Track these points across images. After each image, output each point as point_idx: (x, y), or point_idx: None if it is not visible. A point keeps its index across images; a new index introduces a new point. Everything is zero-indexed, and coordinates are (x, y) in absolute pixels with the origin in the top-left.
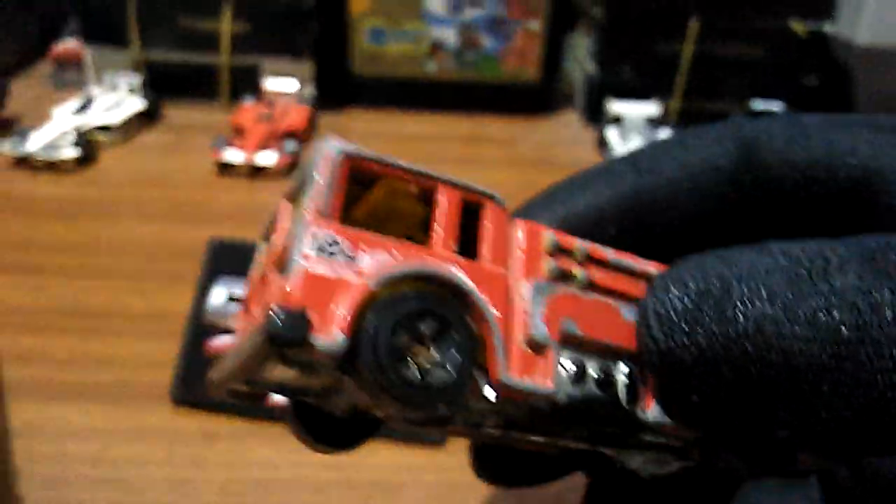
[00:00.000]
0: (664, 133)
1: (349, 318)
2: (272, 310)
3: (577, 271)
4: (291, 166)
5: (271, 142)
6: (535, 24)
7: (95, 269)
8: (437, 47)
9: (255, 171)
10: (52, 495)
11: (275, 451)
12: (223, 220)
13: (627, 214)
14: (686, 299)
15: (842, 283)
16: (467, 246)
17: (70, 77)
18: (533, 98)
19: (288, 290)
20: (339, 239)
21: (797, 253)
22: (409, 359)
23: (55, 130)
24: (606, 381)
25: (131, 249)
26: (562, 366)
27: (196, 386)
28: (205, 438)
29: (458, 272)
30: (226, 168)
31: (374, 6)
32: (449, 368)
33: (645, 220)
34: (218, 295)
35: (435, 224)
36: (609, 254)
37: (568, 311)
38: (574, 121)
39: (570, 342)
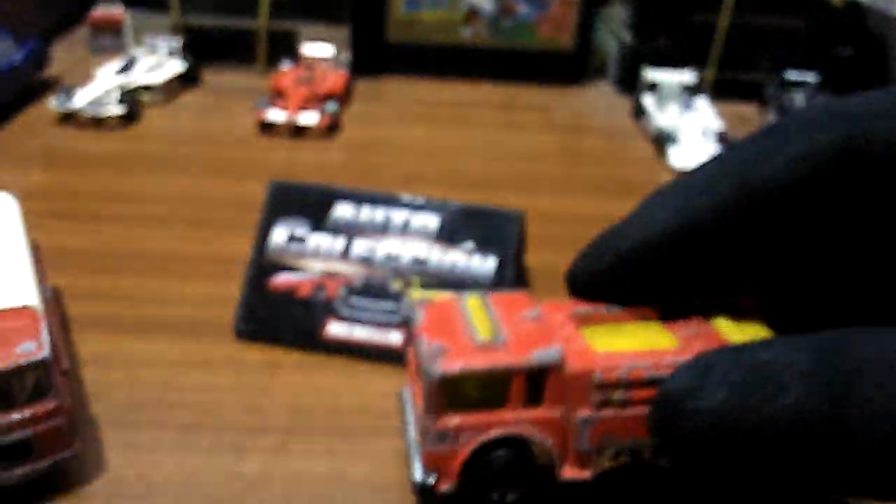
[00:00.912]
0: (701, 101)
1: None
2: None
3: (617, 396)
4: (331, 127)
5: (312, 103)
6: None
7: (148, 217)
8: (472, 14)
9: (297, 131)
10: (126, 417)
11: (336, 380)
12: (268, 177)
13: (730, 221)
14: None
15: None
16: (539, 394)
17: (106, 42)
18: (567, 66)
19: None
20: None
21: None
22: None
23: (100, 88)
24: (635, 452)
25: (181, 200)
26: (605, 454)
27: (259, 321)
28: (269, 368)
29: (526, 426)
30: (267, 127)
31: None
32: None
33: (745, 226)
34: (280, 234)
35: (510, 394)
36: (646, 371)
37: (606, 429)
38: (608, 90)
39: (608, 442)
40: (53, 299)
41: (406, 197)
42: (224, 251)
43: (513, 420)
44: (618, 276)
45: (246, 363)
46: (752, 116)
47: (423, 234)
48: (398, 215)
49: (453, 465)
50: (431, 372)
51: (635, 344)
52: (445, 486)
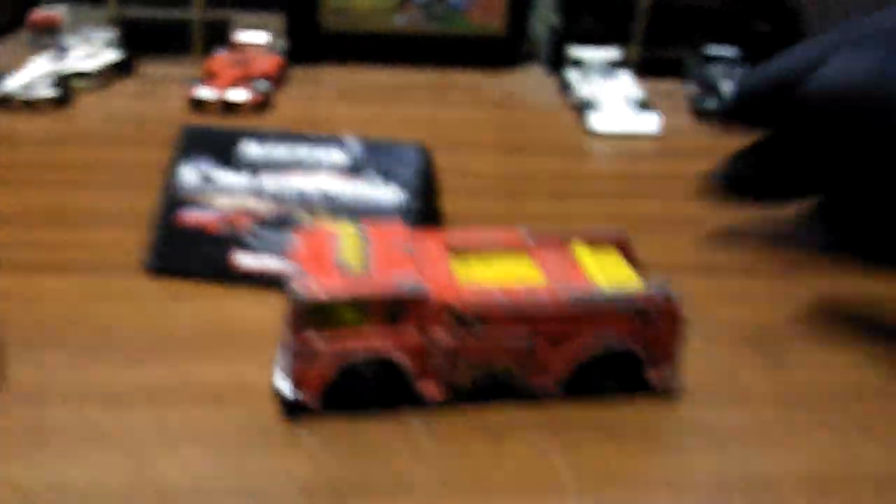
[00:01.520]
0: (624, 75)
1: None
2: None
3: (474, 323)
4: (262, 104)
5: (243, 82)
6: None
7: (71, 182)
8: (405, 1)
9: (227, 108)
10: (28, 340)
11: (244, 307)
12: None
13: None
14: None
15: None
16: (401, 317)
17: (47, 41)
18: (499, 51)
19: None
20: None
21: None
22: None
23: (32, 73)
24: (488, 373)
25: (106, 167)
26: (462, 376)
27: (168, 255)
28: (177, 298)
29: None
30: (198, 105)
31: None
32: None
33: None
34: (189, 173)
35: (373, 316)
36: (502, 304)
37: (463, 354)
38: (538, 73)
39: (465, 364)
40: None
41: (312, 134)
42: (141, 207)
43: (375, 342)
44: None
45: (153, 294)
46: (674, 91)
47: (329, 168)
48: (305, 151)
49: (315, 381)
50: (294, 295)
51: (501, 276)
52: (308, 401)
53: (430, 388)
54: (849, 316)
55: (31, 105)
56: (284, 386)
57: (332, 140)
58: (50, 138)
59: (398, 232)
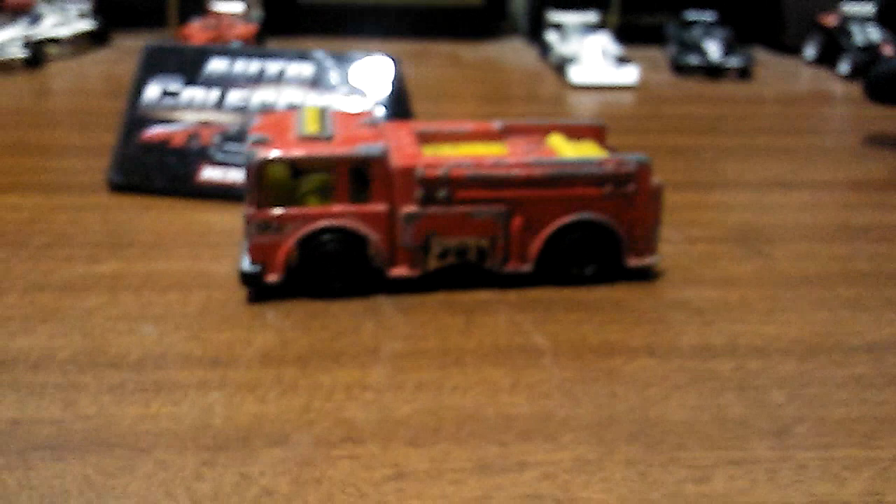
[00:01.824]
0: (602, 35)
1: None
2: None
3: (441, 193)
4: None
5: (217, 43)
6: None
7: (41, 123)
8: None
9: None
10: None
11: (208, 216)
12: None
13: None
14: None
15: None
16: (366, 191)
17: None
18: (477, 21)
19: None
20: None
21: None
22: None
23: (4, 37)
24: (461, 252)
25: (75, 114)
26: (431, 253)
27: (132, 171)
28: (140, 209)
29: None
30: None
31: None
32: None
33: None
34: (153, 90)
35: (337, 189)
36: (467, 170)
37: (432, 225)
38: (517, 43)
39: (434, 240)
40: None
41: (279, 49)
42: (107, 141)
43: (340, 213)
44: None
45: (115, 206)
46: (653, 56)
47: (297, 81)
48: (272, 66)
49: (279, 255)
50: (250, 159)
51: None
52: (272, 277)
53: (399, 267)
54: (837, 218)
55: (2, 66)
56: (246, 263)
57: (300, 54)
58: (19, 91)
59: (365, 114)
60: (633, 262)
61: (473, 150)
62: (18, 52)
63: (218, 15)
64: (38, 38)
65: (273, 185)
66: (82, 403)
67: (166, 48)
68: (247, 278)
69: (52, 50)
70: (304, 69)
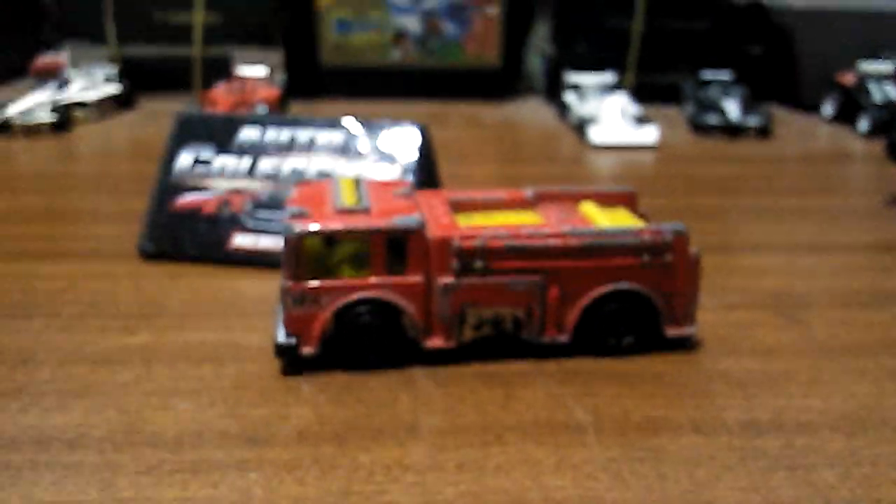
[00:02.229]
0: (620, 95)
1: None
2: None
3: (478, 264)
4: None
5: (242, 107)
6: (493, 10)
7: (69, 188)
8: (400, 35)
9: None
10: (18, 312)
11: (240, 282)
12: None
13: None
14: None
15: None
16: (403, 262)
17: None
18: (495, 82)
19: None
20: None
21: None
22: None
23: (31, 101)
24: (496, 323)
25: (104, 178)
26: (467, 323)
27: (163, 239)
28: (172, 276)
29: (389, 291)
30: None
31: None
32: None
33: None
34: (185, 159)
35: (373, 260)
36: (504, 241)
37: (468, 296)
38: (535, 103)
39: (470, 311)
40: None
41: (310, 117)
42: (138, 207)
43: (375, 285)
44: None
45: (147, 274)
46: (671, 113)
47: (327, 149)
48: (303, 134)
49: (315, 327)
50: (289, 232)
51: (505, 224)
52: (307, 349)
53: (434, 338)
54: (871, 283)
55: (30, 130)
56: (282, 335)
57: (330, 122)
58: (49, 157)
59: (399, 184)
60: (672, 332)
61: (507, 219)
62: (46, 117)
63: (242, 79)
64: (66, 102)
65: (308, 256)
66: (120, 485)
67: (197, 117)
68: (282, 350)
69: (79, 114)
70: (334, 137)
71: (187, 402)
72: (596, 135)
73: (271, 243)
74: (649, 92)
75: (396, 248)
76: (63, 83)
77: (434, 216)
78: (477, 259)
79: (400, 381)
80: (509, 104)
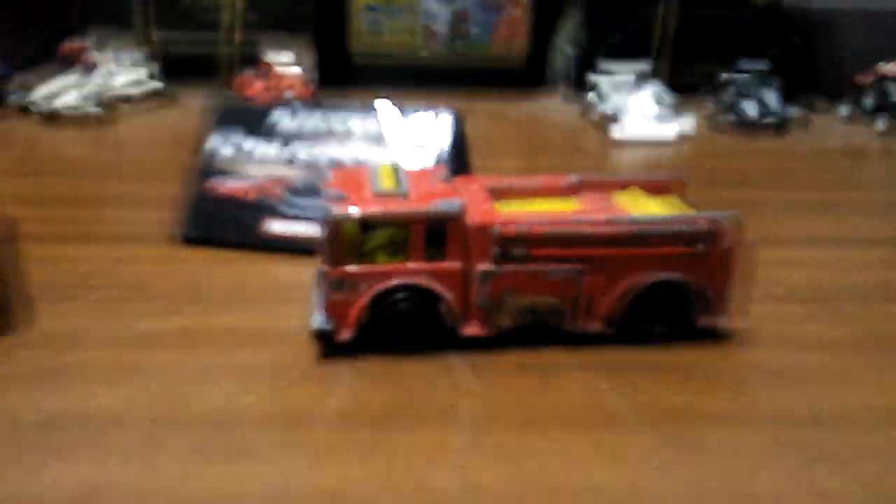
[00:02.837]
0: (647, 87)
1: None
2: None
3: (518, 251)
4: None
5: (272, 92)
6: (522, 5)
7: (105, 175)
8: (430, 31)
9: None
10: (57, 294)
11: (277, 268)
12: None
13: None
14: None
15: None
16: (441, 248)
17: (76, 72)
18: (521, 77)
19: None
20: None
21: None
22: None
23: (56, 85)
24: (533, 310)
25: (141, 164)
26: (505, 312)
27: (203, 224)
28: (210, 261)
29: (427, 278)
30: None
31: None
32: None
33: None
34: (223, 145)
35: (411, 246)
36: (545, 228)
37: (507, 284)
38: (560, 98)
39: (508, 299)
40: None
41: (344, 103)
42: (175, 193)
43: (414, 271)
44: None
45: (185, 259)
46: (705, 104)
47: (362, 136)
48: (337, 121)
49: (352, 313)
50: (328, 216)
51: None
52: (344, 334)
53: (472, 326)
54: None
55: (76, 121)
56: (319, 320)
57: (365, 109)
58: (90, 144)
59: (436, 170)
60: (705, 321)
61: (546, 206)
62: (93, 109)
63: (271, 67)
64: (111, 94)
65: (347, 240)
66: (161, 464)
67: (233, 105)
68: (320, 335)
69: (122, 108)
70: (369, 124)
71: (229, 383)
72: (617, 131)
73: (306, 230)
74: (683, 81)
75: (436, 233)
76: (90, 67)
77: (474, 202)
78: (517, 246)
79: (437, 368)
80: (534, 101)
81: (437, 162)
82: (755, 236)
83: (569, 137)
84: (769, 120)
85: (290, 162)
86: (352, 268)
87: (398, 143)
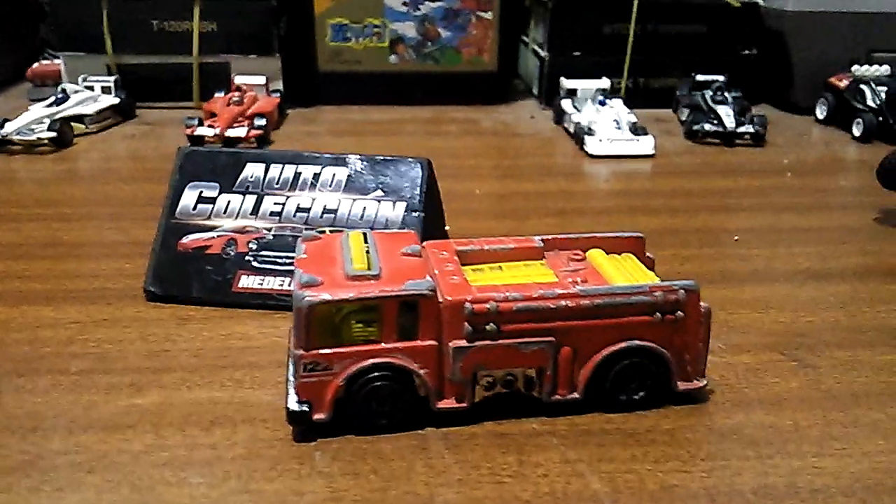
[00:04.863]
0: (616, 102)
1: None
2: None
3: (490, 327)
4: (260, 140)
5: (241, 120)
6: (489, 14)
7: (70, 216)
8: (397, 41)
9: (227, 144)
10: (23, 367)
11: (247, 327)
12: None
13: None
14: None
15: None
16: (414, 327)
17: (45, 92)
18: (492, 85)
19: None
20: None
21: None
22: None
23: (29, 117)
24: (508, 382)
25: (106, 202)
26: (479, 384)
27: (169, 280)
28: (178, 321)
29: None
30: (197, 142)
31: (337, 5)
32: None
33: None
34: (189, 197)
35: (384, 326)
36: (515, 303)
37: (480, 359)
38: (532, 105)
39: (481, 373)
40: None
41: (313, 153)
42: (142, 237)
43: (387, 350)
44: None
45: (153, 319)
46: (666, 117)
47: (332, 186)
48: (307, 171)
49: (326, 394)
50: (300, 302)
51: (515, 281)
52: (319, 415)
53: (446, 399)
54: (874, 317)
55: (30, 147)
56: (294, 402)
57: (334, 159)
58: (49, 177)
59: (406, 238)
60: (683, 386)
61: (516, 272)
62: (46, 134)
63: (240, 89)
64: (65, 115)
65: (320, 323)
66: None
67: (200, 153)
68: (294, 417)
69: (78, 126)
70: (339, 173)
71: (201, 475)
72: (593, 147)
73: (277, 284)
74: (644, 96)
75: (408, 312)
76: (63, 96)
77: (444, 274)
78: (489, 323)
79: (413, 447)
80: (505, 109)
81: (409, 210)
82: (726, 272)
83: (544, 153)
84: (732, 133)
85: (259, 214)
86: (325, 350)
87: (368, 192)
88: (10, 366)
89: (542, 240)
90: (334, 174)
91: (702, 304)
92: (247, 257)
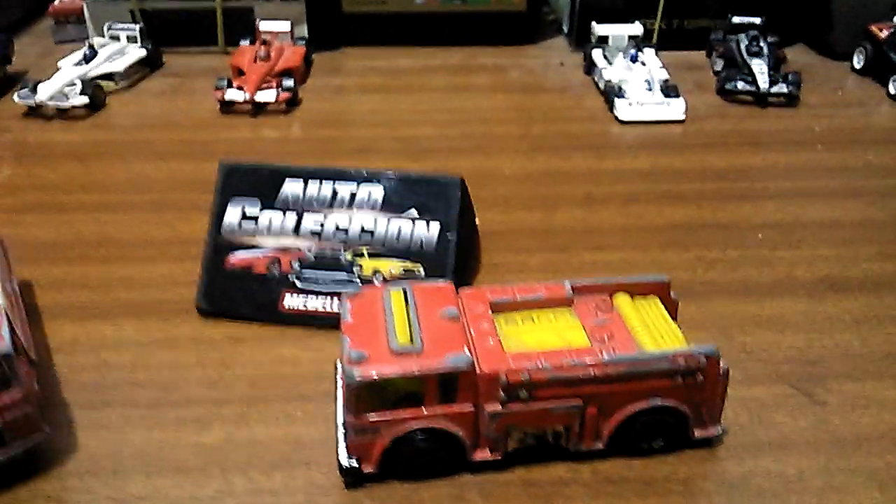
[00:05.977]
0: (649, 55)
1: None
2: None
3: (522, 393)
4: (290, 102)
5: (270, 80)
6: None
7: (115, 204)
8: None
9: (257, 108)
10: (95, 398)
11: (294, 350)
12: (230, 155)
13: None
14: None
15: None
16: (453, 394)
17: (69, 31)
18: (521, 26)
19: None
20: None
21: None
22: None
23: (61, 81)
24: (537, 436)
25: (146, 185)
26: (512, 438)
27: (218, 298)
28: (230, 342)
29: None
30: (228, 106)
31: None
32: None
33: None
34: (233, 214)
35: (426, 394)
36: (547, 373)
37: (512, 421)
38: (562, 47)
39: (514, 431)
40: (20, 292)
41: (351, 170)
42: (187, 233)
43: (428, 415)
44: None
45: (208, 339)
46: (700, 63)
47: (368, 204)
48: (344, 188)
49: (374, 452)
50: (351, 379)
51: (546, 338)
52: (367, 468)
53: (481, 452)
54: (886, 340)
55: (63, 113)
56: (345, 458)
57: (370, 176)
58: (87, 152)
59: (444, 295)
60: (700, 433)
61: (546, 325)
62: (79, 100)
63: (266, 37)
64: (94, 73)
65: (368, 394)
66: None
67: (241, 168)
68: (346, 471)
69: (108, 85)
70: (375, 191)
71: None
72: (623, 112)
73: (318, 304)
74: (678, 38)
75: (448, 383)
76: (90, 54)
77: (480, 335)
78: (522, 390)
79: (452, 495)
80: (535, 51)
81: (443, 229)
82: (747, 280)
83: (571, 115)
84: (762, 92)
85: (300, 232)
86: (373, 416)
87: (403, 211)
88: (83, 397)
89: (572, 287)
90: (370, 192)
91: (721, 363)
92: (290, 277)
